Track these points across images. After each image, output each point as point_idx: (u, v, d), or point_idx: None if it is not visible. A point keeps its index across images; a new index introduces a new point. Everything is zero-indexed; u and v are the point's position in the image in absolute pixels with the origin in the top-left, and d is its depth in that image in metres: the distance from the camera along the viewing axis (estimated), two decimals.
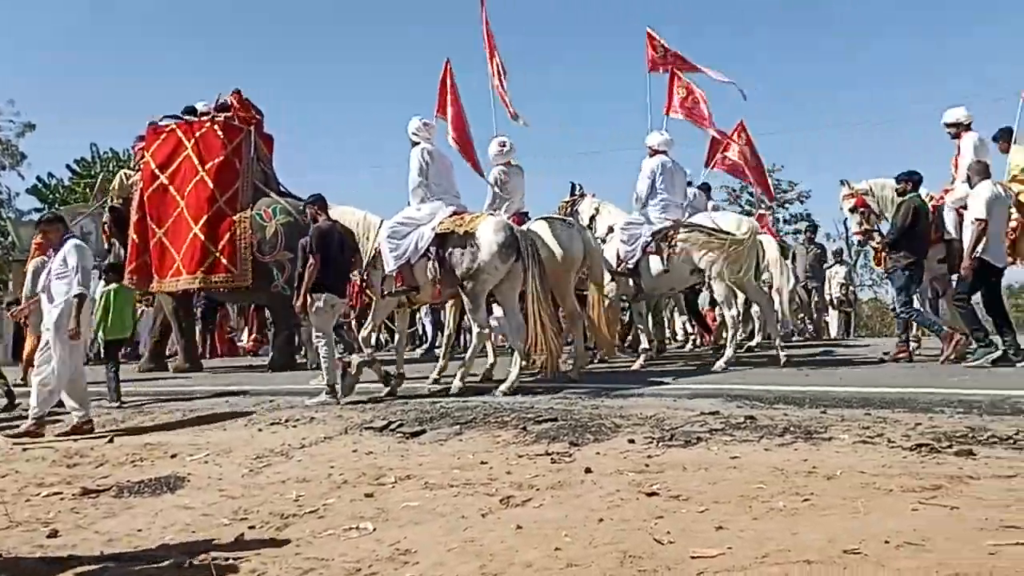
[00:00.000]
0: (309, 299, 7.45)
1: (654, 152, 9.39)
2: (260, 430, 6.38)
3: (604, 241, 9.61)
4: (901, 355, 8.69)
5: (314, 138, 76.28)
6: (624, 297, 10.02)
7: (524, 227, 8.27)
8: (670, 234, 8.89)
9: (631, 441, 5.02)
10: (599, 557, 2.98)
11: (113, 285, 9.27)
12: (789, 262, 11.79)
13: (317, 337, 7.63)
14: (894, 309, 9.16)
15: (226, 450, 5.74)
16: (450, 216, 7.80)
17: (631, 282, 9.30)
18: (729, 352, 8.70)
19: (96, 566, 3.39)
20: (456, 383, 7.61)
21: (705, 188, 12.23)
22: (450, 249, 7.60)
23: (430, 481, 4.38)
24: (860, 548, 2.83)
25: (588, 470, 4.35)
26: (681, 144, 10.04)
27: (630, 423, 5.51)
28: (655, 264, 9.00)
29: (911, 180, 8.62)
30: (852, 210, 9.56)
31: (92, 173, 31.90)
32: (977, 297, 8.26)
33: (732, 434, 5.01)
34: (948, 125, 9.08)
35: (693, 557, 2.89)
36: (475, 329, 7.68)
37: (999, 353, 7.71)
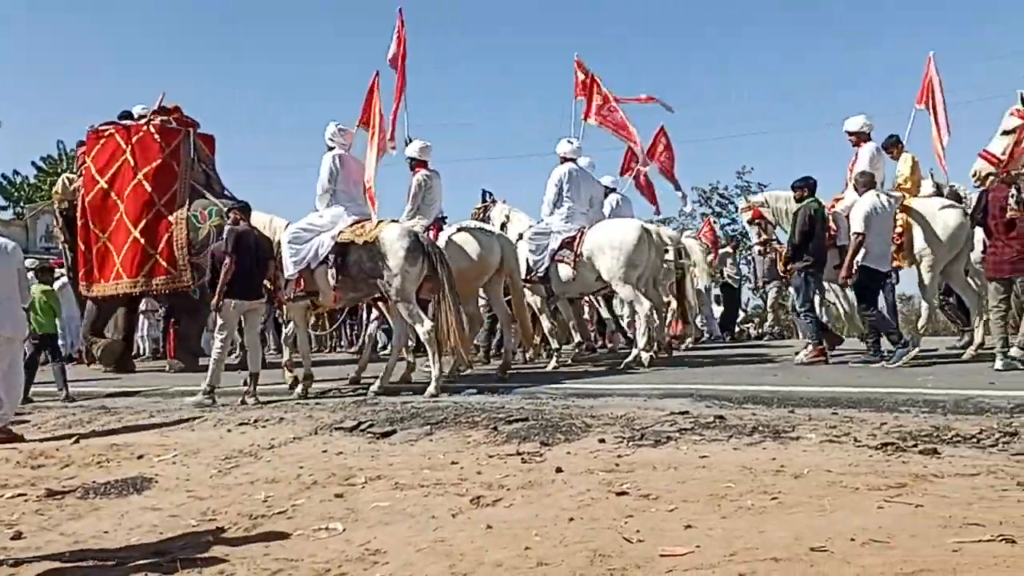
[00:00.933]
0: (220, 299, 7.74)
1: (563, 160, 9.69)
2: (229, 430, 6.32)
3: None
4: (817, 358, 8.71)
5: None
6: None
7: (444, 233, 8.58)
8: (576, 242, 9.25)
9: (602, 441, 5.03)
10: (569, 556, 2.99)
11: (42, 287, 9.17)
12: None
13: (217, 335, 8.00)
14: (795, 311, 9.38)
15: (194, 451, 5.68)
16: (351, 224, 7.92)
17: (543, 288, 9.60)
18: (642, 347, 8.98)
19: (62, 566, 3.34)
20: (375, 385, 7.80)
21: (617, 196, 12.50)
22: (352, 257, 7.73)
23: (400, 481, 4.37)
24: (826, 546, 2.86)
25: (559, 470, 4.37)
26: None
27: (601, 423, 5.53)
28: (564, 271, 9.32)
29: (806, 186, 8.85)
30: (750, 222, 10.00)
31: (59, 171, 31.42)
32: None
33: (702, 433, 5.04)
34: (850, 133, 9.29)
35: (662, 555, 2.91)
36: (419, 329, 7.67)
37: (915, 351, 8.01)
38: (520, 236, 9.74)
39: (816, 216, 8.63)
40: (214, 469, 5.11)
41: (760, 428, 5.03)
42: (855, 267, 8.08)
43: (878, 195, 8.23)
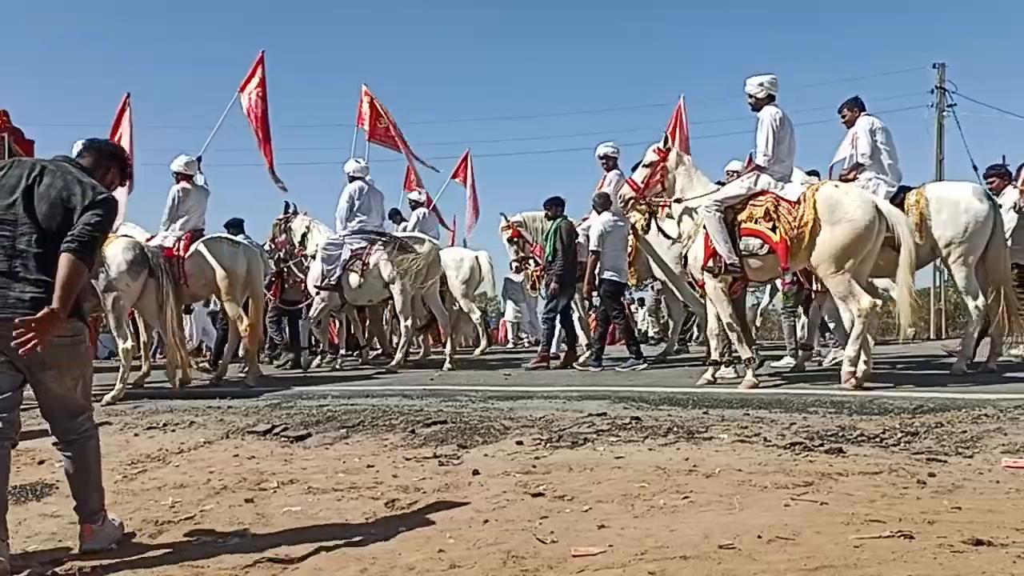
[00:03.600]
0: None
1: (352, 178, 10.47)
2: (136, 435, 6.11)
3: (313, 257, 10.55)
4: (540, 363, 9.64)
5: None
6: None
7: (193, 246, 8.82)
8: (365, 252, 10.06)
9: (519, 443, 5.04)
10: (482, 558, 2.98)
11: None
12: None
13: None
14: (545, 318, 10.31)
15: None
16: None
17: (336, 295, 10.34)
18: (399, 356, 10.15)
19: None
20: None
21: (393, 213, 13.12)
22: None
23: (314, 486, 4.29)
24: (734, 543, 2.91)
25: (476, 472, 4.35)
26: None
27: (519, 425, 5.54)
28: (354, 279, 10.08)
29: (555, 205, 9.76)
30: (509, 241, 10.70)
31: None
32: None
33: (618, 434, 5.09)
34: (600, 158, 10.11)
35: (574, 556, 2.92)
36: (120, 344, 8.05)
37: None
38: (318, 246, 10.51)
39: (571, 231, 9.51)
40: (119, 475, 4.92)
41: (675, 429, 5.11)
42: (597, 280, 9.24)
43: (612, 214, 9.24)
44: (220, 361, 9.79)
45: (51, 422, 3.44)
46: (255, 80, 11.45)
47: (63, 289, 3.00)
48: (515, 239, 10.57)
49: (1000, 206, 7.44)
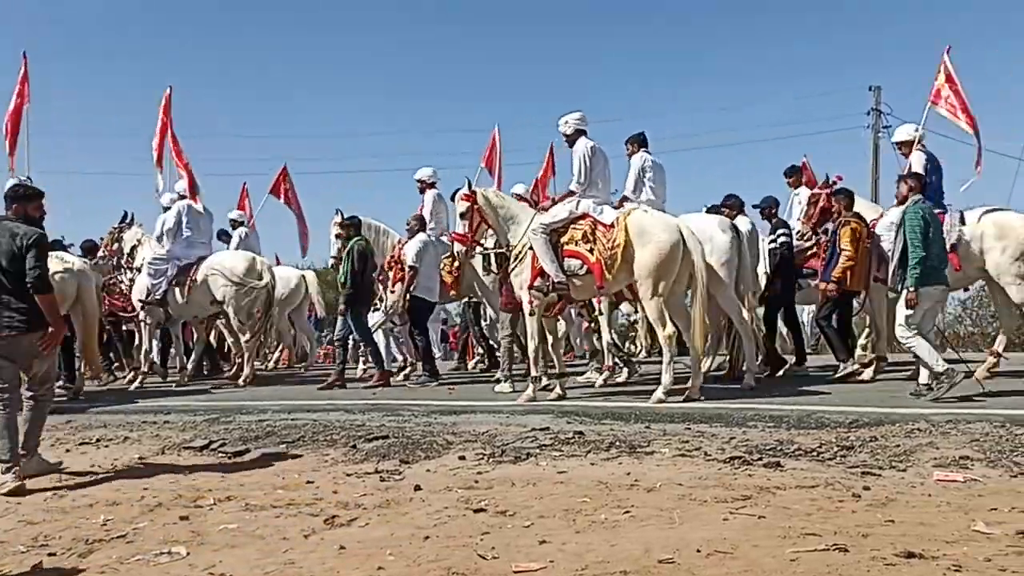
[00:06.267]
0: None
1: (181, 197, 10.90)
2: (68, 451, 5.94)
3: (139, 271, 10.68)
4: (380, 381, 9.48)
5: None
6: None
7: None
8: (192, 268, 10.31)
9: (462, 458, 5.02)
10: (422, 575, 2.95)
11: None
12: None
13: None
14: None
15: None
16: None
17: (160, 310, 10.52)
18: (247, 370, 10.32)
19: None
20: None
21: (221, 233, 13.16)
22: None
23: (251, 502, 4.21)
24: (674, 557, 2.93)
25: (417, 487, 4.32)
26: None
27: (462, 440, 5.51)
28: (179, 294, 10.31)
29: (352, 225, 9.79)
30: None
31: None
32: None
33: (561, 449, 5.10)
34: (417, 181, 10.58)
35: (515, 572, 2.91)
36: None
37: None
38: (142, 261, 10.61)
39: (364, 253, 9.50)
40: (49, 492, 4.78)
41: (617, 443, 5.13)
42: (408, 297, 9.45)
43: (428, 233, 9.69)
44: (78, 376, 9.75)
45: (32, 385, 5.07)
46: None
47: (49, 316, 4.92)
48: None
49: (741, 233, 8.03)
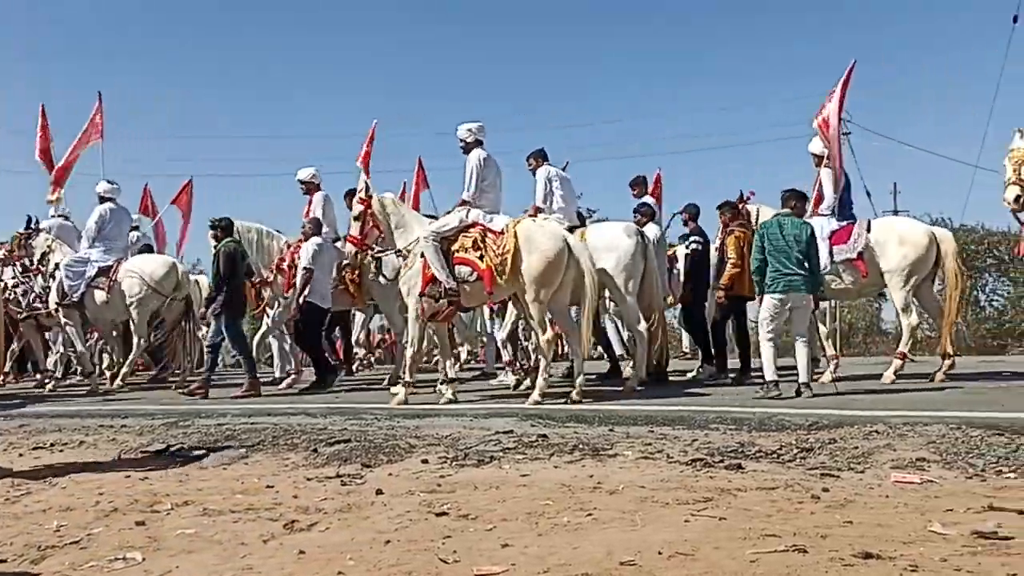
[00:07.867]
0: None
1: (102, 199, 10.86)
2: (21, 455, 5.81)
3: (53, 276, 10.67)
4: (250, 391, 9.09)
5: None
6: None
7: None
8: (112, 270, 10.42)
9: (425, 461, 4.99)
10: None
11: None
12: None
13: None
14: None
15: None
16: None
17: (76, 313, 10.48)
18: (120, 377, 10.45)
19: None
20: None
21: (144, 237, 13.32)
22: None
23: (210, 507, 4.14)
24: (635, 559, 2.93)
25: (379, 491, 4.28)
26: None
27: (425, 443, 5.48)
28: (99, 296, 10.35)
29: (221, 228, 9.50)
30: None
31: None
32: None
33: (524, 452, 5.10)
34: (300, 183, 10.50)
35: (476, 575, 2.89)
36: None
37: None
38: (57, 266, 10.65)
39: (233, 256, 9.20)
40: (1, 497, 4.67)
41: (581, 446, 5.14)
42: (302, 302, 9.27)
43: (323, 238, 9.51)
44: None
45: None
46: None
47: None
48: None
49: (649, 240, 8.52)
